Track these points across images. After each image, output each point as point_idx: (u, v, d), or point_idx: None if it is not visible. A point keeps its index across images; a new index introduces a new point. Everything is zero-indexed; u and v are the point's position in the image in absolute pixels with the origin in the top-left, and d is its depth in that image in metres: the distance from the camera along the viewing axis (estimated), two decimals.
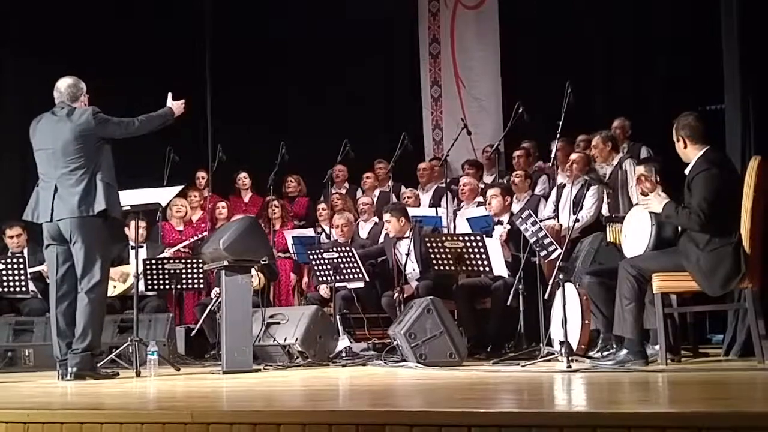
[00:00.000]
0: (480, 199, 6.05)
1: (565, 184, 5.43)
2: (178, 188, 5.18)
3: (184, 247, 6.20)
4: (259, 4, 8.04)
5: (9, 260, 5.57)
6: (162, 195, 4.78)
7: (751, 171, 3.62)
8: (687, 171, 3.69)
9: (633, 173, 4.98)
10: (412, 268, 5.42)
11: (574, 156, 5.44)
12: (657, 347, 3.76)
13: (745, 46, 4.62)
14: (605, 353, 4.04)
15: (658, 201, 3.69)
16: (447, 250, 4.78)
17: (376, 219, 6.33)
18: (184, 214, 6.65)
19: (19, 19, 7.03)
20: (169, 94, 4.38)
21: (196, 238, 6.20)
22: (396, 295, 5.05)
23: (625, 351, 3.69)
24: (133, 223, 4.85)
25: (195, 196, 6.83)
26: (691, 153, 3.69)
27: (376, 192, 6.78)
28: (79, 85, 4.24)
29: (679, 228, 3.73)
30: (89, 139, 4.10)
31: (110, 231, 4.25)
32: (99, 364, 4.21)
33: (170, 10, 7.73)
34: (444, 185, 6.50)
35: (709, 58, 5.45)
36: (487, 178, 6.66)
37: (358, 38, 7.80)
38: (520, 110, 5.63)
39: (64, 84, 4.21)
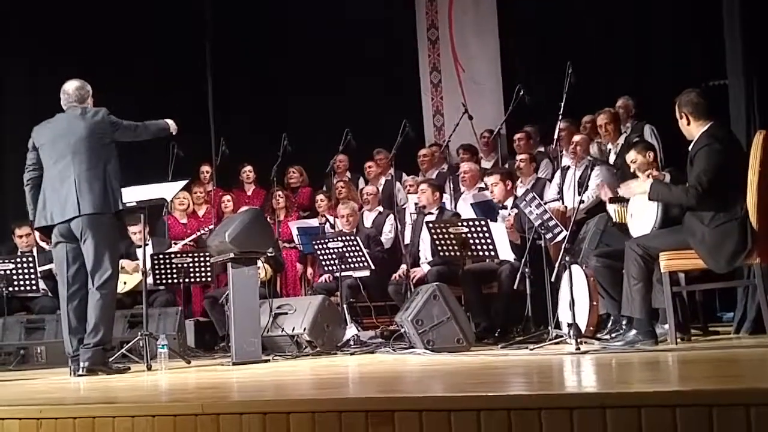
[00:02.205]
0: (482, 184, 6.04)
1: (569, 167, 5.40)
2: (182, 183, 5.19)
3: (190, 241, 6.22)
4: None
5: (19, 259, 5.61)
6: (167, 190, 4.79)
7: (756, 145, 3.59)
8: (690, 147, 3.67)
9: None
10: (424, 249, 5.43)
11: (577, 138, 5.41)
12: (666, 326, 3.75)
13: (746, 21, 4.57)
14: (614, 334, 4.03)
15: (637, 184, 3.65)
16: (452, 235, 4.78)
17: (380, 208, 6.33)
18: (186, 207, 6.67)
19: (21, 20, 7.03)
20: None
21: (200, 232, 6.22)
22: (398, 274, 5.07)
23: (634, 331, 3.68)
24: (141, 220, 4.86)
25: (200, 192, 6.83)
26: (694, 129, 3.66)
27: (382, 180, 6.76)
28: (86, 87, 4.30)
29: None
30: (101, 138, 4.14)
31: (119, 228, 4.28)
32: (110, 359, 4.24)
33: (171, 3, 7.70)
34: (445, 170, 6.49)
35: (711, 33, 5.39)
36: (486, 163, 6.64)
37: (357, 26, 7.76)
38: (521, 93, 5.60)
39: (71, 86, 4.26)
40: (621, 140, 5.42)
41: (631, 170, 4.09)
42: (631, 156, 4.05)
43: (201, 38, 8.12)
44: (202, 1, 8.04)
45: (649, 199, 3.66)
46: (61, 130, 4.17)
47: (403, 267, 5.34)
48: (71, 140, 4.12)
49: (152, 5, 7.51)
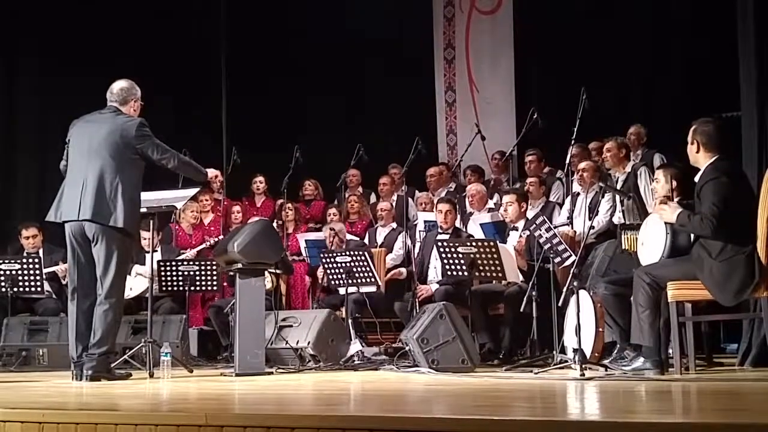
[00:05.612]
0: (491, 204, 6.04)
1: (579, 193, 5.40)
2: (193, 191, 5.19)
3: (196, 252, 6.23)
4: (275, 8, 8.10)
5: (25, 260, 5.63)
6: (177, 197, 4.80)
7: (767, 180, 3.59)
8: (697, 179, 3.68)
9: (648, 181, 4.95)
10: (434, 267, 5.43)
11: (583, 165, 5.38)
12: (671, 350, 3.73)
13: (762, 53, 4.59)
14: (619, 362, 4.02)
15: (671, 210, 3.68)
16: (460, 255, 4.78)
17: (394, 225, 6.34)
18: (197, 218, 6.67)
19: (34, 20, 7.10)
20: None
21: (208, 243, 6.22)
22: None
23: (641, 359, 3.68)
24: (150, 226, 4.87)
25: (207, 200, 6.85)
26: (701, 159, 3.69)
27: (394, 197, 6.77)
28: (132, 90, 4.23)
29: (692, 236, 3.71)
30: (125, 147, 4.07)
31: (130, 238, 4.25)
32: (112, 365, 4.23)
33: (186, 12, 7.79)
34: (452, 189, 6.50)
35: (725, 64, 5.42)
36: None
37: (373, 43, 7.83)
38: (534, 116, 5.62)
39: (117, 86, 4.22)
40: (629, 168, 5.42)
41: (651, 187, 4.10)
42: (658, 175, 4.08)
43: (216, 46, 8.20)
44: (218, 7, 8.13)
45: (675, 225, 3.67)
46: (88, 128, 4.14)
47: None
48: (93, 140, 4.08)
49: (167, 8, 7.58)
